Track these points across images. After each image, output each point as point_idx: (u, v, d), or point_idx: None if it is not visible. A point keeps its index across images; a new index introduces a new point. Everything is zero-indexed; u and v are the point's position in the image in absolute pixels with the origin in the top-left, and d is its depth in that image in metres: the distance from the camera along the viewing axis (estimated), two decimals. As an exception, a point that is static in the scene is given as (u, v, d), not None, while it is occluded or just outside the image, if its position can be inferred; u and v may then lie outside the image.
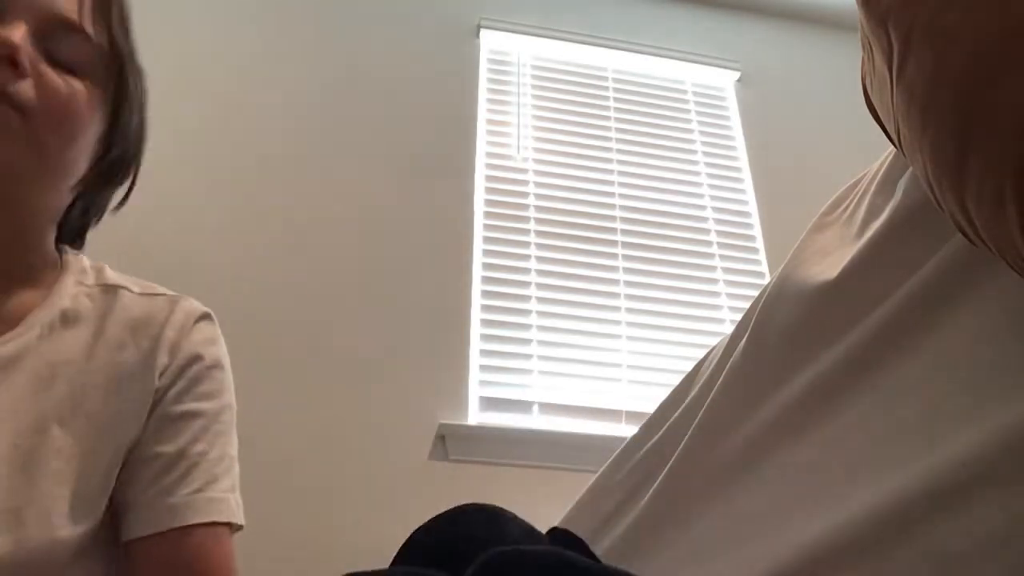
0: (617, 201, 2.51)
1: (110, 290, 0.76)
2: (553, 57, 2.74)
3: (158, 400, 0.72)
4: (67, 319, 0.72)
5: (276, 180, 2.28)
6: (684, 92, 2.81)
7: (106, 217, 0.82)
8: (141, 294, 0.77)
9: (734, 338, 0.52)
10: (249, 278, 2.10)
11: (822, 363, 0.42)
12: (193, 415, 0.73)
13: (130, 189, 0.80)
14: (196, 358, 0.75)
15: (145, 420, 0.71)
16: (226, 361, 0.79)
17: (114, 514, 0.70)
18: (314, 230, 2.23)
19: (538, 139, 2.57)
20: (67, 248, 0.79)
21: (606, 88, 2.74)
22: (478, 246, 2.34)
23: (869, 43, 0.37)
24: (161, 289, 0.79)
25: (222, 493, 0.71)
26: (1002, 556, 0.31)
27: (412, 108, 2.49)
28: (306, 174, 2.31)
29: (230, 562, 0.70)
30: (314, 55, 2.52)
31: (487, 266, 2.32)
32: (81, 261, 0.79)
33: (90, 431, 0.68)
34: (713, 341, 0.57)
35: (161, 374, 0.73)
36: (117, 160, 0.76)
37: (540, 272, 2.34)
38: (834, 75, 2.83)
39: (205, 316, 0.79)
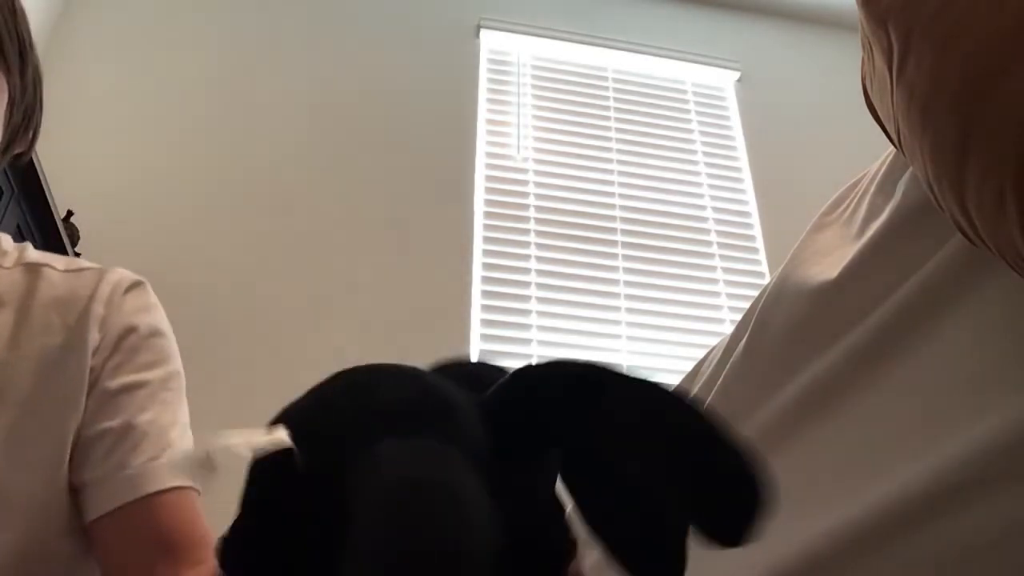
0: (617, 201, 2.51)
1: (32, 270, 0.72)
2: (553, 57, 2.74)
3: (95, 379, 0.69)
4: None
5: (275, 183, 2.28)
6: (684, 92, 2.81)
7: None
8: (66, 271, 0.73)
9: (734, 338, 0.52)
10: (245, 280, 2.10)
11: (822, 363, 0.42)
12: (136, 386, 0.70)
13: (27, 152, 0.77)
14: (130, 329, 0.72)
15: (84, 401, 0.68)
16: (165, 327, 0.75)
17: (75, 502, 0.68)
18: (314, 232, 2.23)
19: (538, 139, 2.57)
20: None
21: (606, 88, 2.74)
22: (478, 246, 2.34)
23: (869, 43, 0.37)
24: (87, 264, 0.75)
25: (175, 460, 0.68)
26: (1002, 556, 0.31)
27: (412, 108, 2.49)
28: (305, 174, 2.31)
29: (199, 525, 0.68)
30: (314, 55, 2.52)
31: (487, 266, 2.32)
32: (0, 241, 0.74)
33: (22, 422, 0.65)
34: (713, 341, 0.57)
35: (94, 352, 0.69)
36: (18, 129, 0.72)
37: (540, 272, 2.34)
38: (834, 75, 2.83)
39: (135, 285, 0.75)
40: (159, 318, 0.75)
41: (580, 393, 0.29)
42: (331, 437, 0.29)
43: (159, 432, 0.68)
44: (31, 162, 1.65)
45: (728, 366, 0.50)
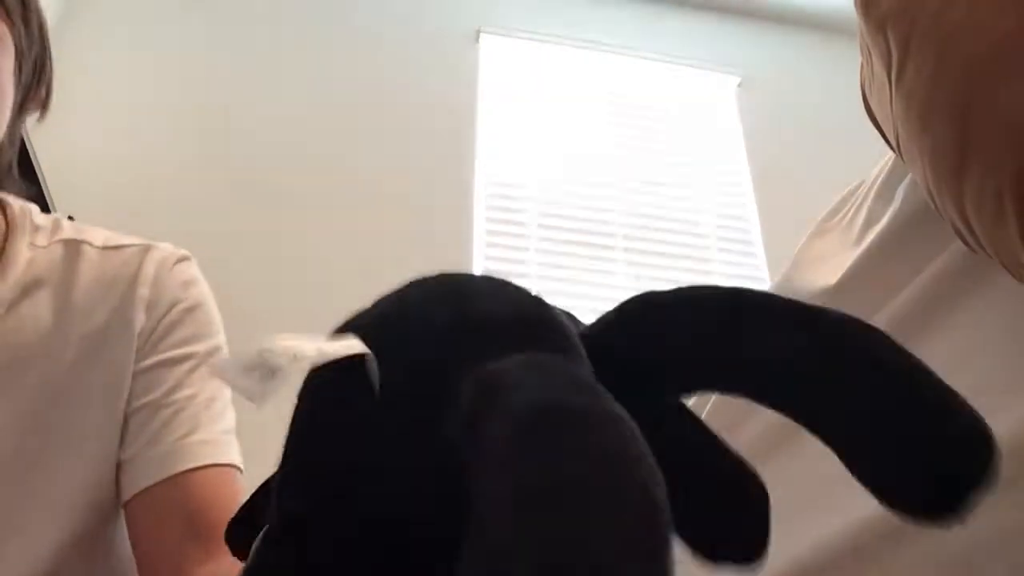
0: (617, 206, 2.51)
1: (70, 247, 0.67)
2: (553, 63, 2.75)
3: (139, 358, 0.65)
4: (24, 290, 0.63)
5: (274, 187, 2.28)
6: (684, 98, 2.81)
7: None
8: (105, 247, 0.68)
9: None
10: (244, 282, 2.10)
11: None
12: (174, 361, 0.66)
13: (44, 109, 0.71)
14: (172, 304, 0.67)
15: (130, 382, 0.64)
16: (208, 300, 0.71)
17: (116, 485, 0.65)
18: (310, 237, 2.23)
19: (537, 144, 2.57)
20: (9, 199, 0.69)
21: (606, 93, 2.74)
22: (479, 252, 2.34)
23: (868, 49, 0.37)
24: (127, 239, 0.70)
25: (215, 435, 0.64)
26: (1004, 558, 0.31)
27: (412, 115, 2.49)
28: (302, 179, 2.31)
29: (237, 505, 0.62)
30: (314, 61, 2.53)
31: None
32: (31, 215, 0.69)
33: (70, 416, 0.62)
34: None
35: (140, 333, 0.66)
36: (30, 85, 0.67)
37: (541, 278, 2.34)
38: (834, 81, 2.83)
39: (181, 260, 0.71)
40: (203, 291, 0.71)
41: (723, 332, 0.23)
42: (422, 348, 0.22)
43: (196, 408, 0.64)
44: (31, 164, 1.65)
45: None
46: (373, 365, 0.22)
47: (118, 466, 0.64)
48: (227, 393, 0.68)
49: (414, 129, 2.47)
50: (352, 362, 0.22)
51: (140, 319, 0.66)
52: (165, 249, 0.71)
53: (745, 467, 0.27)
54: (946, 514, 0.20)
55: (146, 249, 0.69)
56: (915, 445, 0.20)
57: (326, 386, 0.23)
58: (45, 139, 1.65)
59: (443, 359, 0.22)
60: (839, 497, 0.38)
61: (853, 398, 0.21)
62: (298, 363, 0.21)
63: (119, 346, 0.65)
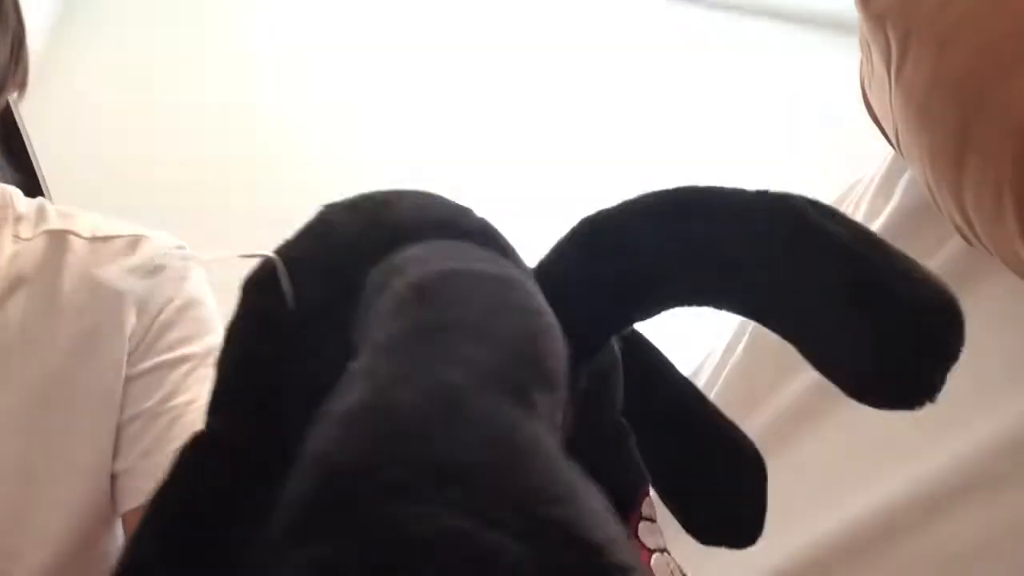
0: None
1: (56, 238, 0.62)
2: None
3: (131, 363, 0.61)
4: (8, 288, 0.59)
5: (270, 183, 2.28)
6: (679, 85, 2.80)
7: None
8: (92, 238, 0.63)
9: (735, 338, 0.52)
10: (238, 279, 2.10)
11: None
12: (171, 364, 0.62)
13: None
14: (167, 303, 0.63)
15: (122, 387, 0.60)
16: (203, 294, 0.66)
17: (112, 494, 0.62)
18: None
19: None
20: None
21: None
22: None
23: (868, 45, 0.37)
24: (116, 228, 0.65)
25: None
26: (1005, 557, 0.31)
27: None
28: (300, 183, 2.31)
29: None
30: (312, 60, 2.52)
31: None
32: (13, 203, 0.64)
33: (58, 423, 0.59)
34: (713, 341, 0.57)
35: (131, 336, 0.61)
36: (7, 65, 0.61)
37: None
38: (835, 77, 2.82)
39: (173, 252, 0.65)
40: (197, 285, 0.66)
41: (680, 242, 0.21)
42: (333, 256, 0.22)
43: (196, 415, 0.59)
44: (31, 167, 1.65)
45: (728, 366, 0.50)
46: (284, 277, 0.21)
47: (113, 477, 0.61)
48: None
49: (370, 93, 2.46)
50: (268, 277, 0.22)
51: (131, 320, 0.61)
52: (155, 241, 0.65)
53: (741, 439, 0.26)
54: (917, 396, 0.20)
55: (136, 241, 0.64)
56: (878, 327, 0.19)
57: (240, 307, 0.23)
58: (41, 130, 1.66)
59: (352, 264, 0.21)
60: (843, 491, 0.38)
61: (808, 283, 0.20)
62: (189, 264, 0.20)
63: (109, 350, 0.60)
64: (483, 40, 2.53)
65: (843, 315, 0.19)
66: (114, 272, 0.59)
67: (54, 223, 0.63)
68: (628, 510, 0.24)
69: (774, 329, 0.21)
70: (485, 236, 0.23)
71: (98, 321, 0.61)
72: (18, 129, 1.59)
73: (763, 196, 0.21)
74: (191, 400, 0.61)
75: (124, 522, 0.61)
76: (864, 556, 0.36)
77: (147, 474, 0.59)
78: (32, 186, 1.66)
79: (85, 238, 0.63)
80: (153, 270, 0.64)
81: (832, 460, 0.40)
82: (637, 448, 0.25)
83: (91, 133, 2.23)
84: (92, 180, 2.11)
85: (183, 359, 0.62)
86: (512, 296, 0.17)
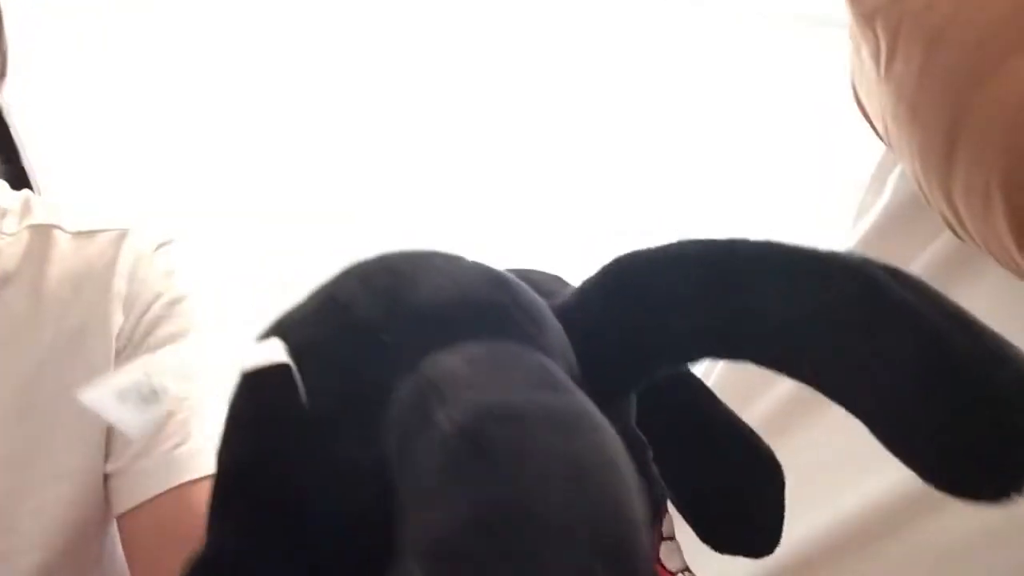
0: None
1: (41, 234, 0.60)
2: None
3: (120, 361, 0.59)
4: None
5: (262, 170, 2.27)
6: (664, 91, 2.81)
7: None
8: (77, 234, 0.61)
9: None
10: (228, 273, 2.09)
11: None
12: None
13: None
14: (155, 299, 0.61)
15: None
16: (192, 289, 0.63)
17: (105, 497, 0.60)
18: (305, 231, 2.22)
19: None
20: None
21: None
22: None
23: (857, 41, 0.37)
24: (100, 224, 0.62)
25: (210, 442, 0.58)
26: (994, 552, 0.32)
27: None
28: (295, 182, 2.31)
29: None
30: (306, 47, 2.52)
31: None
32: None
33: (46, 429, 0.57)
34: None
35: (118, 335, 0.59)
36: None
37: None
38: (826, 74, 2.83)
39: (162, 245, 0.63)
40: (187, 280, 0.63)
41: (717, 293, 0.20)
42: (352, 346, 0.19)
43: (188, 413, 0.58)
44: (22, 171, 1.64)
45: (720, 363, 0.50)
46: (296, 375, 0.18)
47: (105, 478, 0.59)
48: (221, 389, 0.62)
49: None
50: (274, 370, 0.19)
51: (117, 319, 0.59)
52: (143, 234, 0.63)
53: (760, 447, 0.25)
54: (1004, 489, 0.17)
55: (122, 236, 0.61)
56: (960, 413, 0.17)
57: (245, 400, 0.20)
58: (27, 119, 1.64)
59: (376, 358, 0.19)
60: (841, 484, 0.38)
61: (882, 360, 0.18)
62: (188, 385, 0.17)
63: (95, 349, 0.58)
64: (485, 43, 2.53)
65: (921, 397, 0.18)
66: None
67: (39, 218, 0.61)
68: (651, 527, 0.22)
69: (838, 400, 0.19)
70: (521, 312, 0.20)
71: (83, 320, 0.59)
72: (2, 118, 1.58)
73: (833, 260, 0.19)
74: (183, 398, 0.58)
75: (119, 526, 0.60)
76: (853, 553, 0.36)
77: (141, 476, 0.57)
78: (18, 174, 1.65)
79: (70, 232, 0.61)
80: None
81: (825, 457, 0.40)
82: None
83: (79, 122, 2.21)
84: (81, 172, 2.10)
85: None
86: (585, 453, 0.14)
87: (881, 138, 0.39)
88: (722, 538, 0.25)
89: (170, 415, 0.58)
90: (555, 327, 0.21)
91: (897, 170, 0.44)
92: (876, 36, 0.34)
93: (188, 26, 2.34)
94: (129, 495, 0.58)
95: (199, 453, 0.58)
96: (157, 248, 0.63)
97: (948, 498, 0.34)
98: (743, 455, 0.25)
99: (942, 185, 0.31)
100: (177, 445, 0.57)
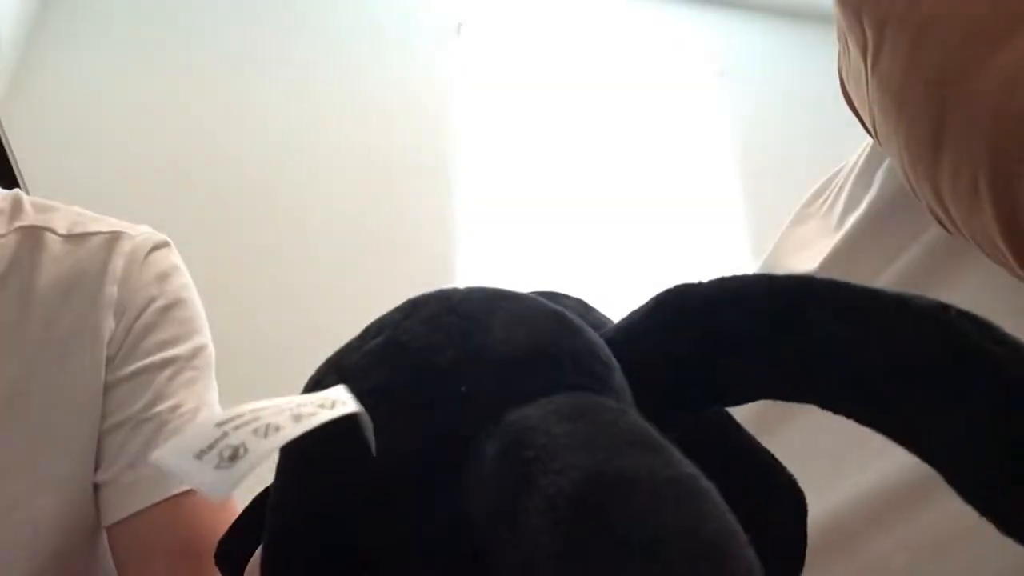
0: (602, 195, 2.51)
1: (30, 235, 0.58)
2: (534, 54, 2.74)
3: (112, 368, 0.57)
4: None
5: (255, 185, 2.27)
6: (668, 87, 2.81)
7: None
8: (69, 236, 0.59)
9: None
10: (234, 296, 2.09)
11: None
12: (154, 368, 0.57)
13: None
14: (148, 304, 0.59)
15: (102, 397, 0.56)
16: (188, 294, 0.61)
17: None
18: (289, 235, 2.22)
19: (519, 136, 2.57)
20: None
21: (589, 84, 2.74)
22: (462, 244, 2.34)
23: (845, 35, 0.37)
24: (94, 224, 0.60)
25: None
26: (983, 543, 0.32)
27: (393, 108, 2.48)
28: (282, 177, 2.30)
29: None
30: (293, 56, 2.51)
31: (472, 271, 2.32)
32: None
33: (36, 438, 0.54)
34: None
35: (110, 341, 0.57)
36: None
37: (525, 266, 2.34)
38: (815, 69, 2.84)
39: (155, 248, 0.61)
40: (180, 284, 0.61)
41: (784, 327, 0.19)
42: (426, 395, 0.18)
43: (182, 421, 0.56)
44: (9, 168, 1.63)
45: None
46: (368, 425, 0.17)
47: (96, 487, 0.57)
48: (214, 397, 0.60)
49: (395, 127, 2.46)
50: (340, 419, 0.17)
51: (108, 325, 0.57)
52: (136, 236, 0.60)
53: (782, 474, 0.24)
54: None
55: (115, 238, 0.59)
56: None
57: (312, 453, 0.19)
58: (20, 132, 1.64)
59: (454, 408, 0.18)
60: (838, 473, 0.38)
61: (961, 411, 0.17)
62: (269, 441, 0.16)
63: (85, 356, 0.56)
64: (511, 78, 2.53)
65: (997, 450, 0.17)
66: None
67: (30, 219, 0.59)
68: None
69: (907, 447, 0.19)
70: (591, 356, 0.19)
71: (73, 326, 0.56)
72: None
73: (907, 304, 0.18)
74: (176, 405, 0.57)
75: (109, 536, 0.58)
76: (840, 546, 0.36)
77: (133, 487, 0.55)
78: (6, 174, 1.64)
79: (61, 235, 0.59)
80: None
81: (823, 446, 0.40)
82: None
83: (69, 132, 2.20)
84: (70, 175, 2.10)
85: (167, 362, 0.58)
86: (709, 524, 0.14)
87: (869, 131, 0.40)
88: None
89: (162, 425, 0.56)
90: (616, 367, 0.20)
91: (885, 164, 0.44)
92: (863, 30, 0.34)
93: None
94: (119, 506, 0.56)
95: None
96: (150, 251, 0.61)
97: (937, 489, 0.34)
98: (767, 483, 0.24)
99: (929, 178, 0.31)
100: None
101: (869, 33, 0.33)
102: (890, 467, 0.35)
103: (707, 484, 0.15)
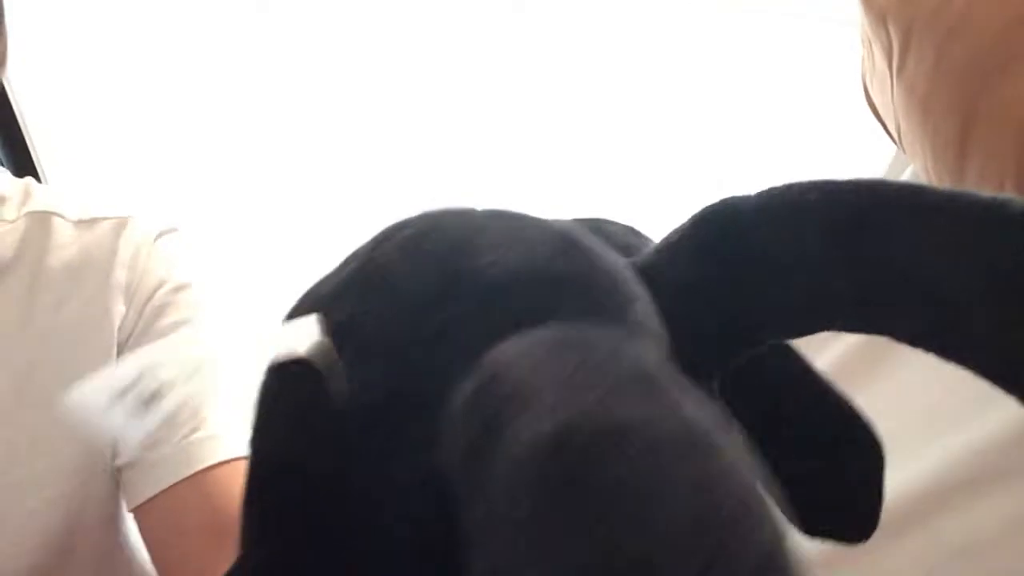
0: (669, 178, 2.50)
1: (40, 221, 0.59)
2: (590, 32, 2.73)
3: (124, 352, 0.58)
4: None
5: (270, 154, 2.27)
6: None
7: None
8: (79, 222, 0.59)
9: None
10: (238, 258, 2.09)
11: (822, 361, 0.42)
12: None
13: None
14: (158, 287, 0.59)
15: None
16: (197, 277, 0.62)
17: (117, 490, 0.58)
18: (310, 212, 2.22)
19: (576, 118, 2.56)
20: None
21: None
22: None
23: (869, 40, 0.37)
24: (103, 210, 0.61)
25: (224, 426, 0.57)
26: (1004, 552, 0.31)
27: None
28: (302, 168, 2.31)
29: None
30: (312, 29, 2.51)
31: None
32: None
33: (46, 423, 0.55)
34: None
35: (120, 327, 0.58)
36: None
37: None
38: (836, 72, 2.82)
39: (163, 234, 0.62)
40: (190, 268, 0.62)
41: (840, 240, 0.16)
42: (402, 330, 0.16)
43: (200, 399, 0.56)
44: (24, 144, 1.64)
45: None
46: (333, 360, 0.16)
47: (117, 471, 0.58)
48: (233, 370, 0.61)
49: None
50: (311, 353, 0.16)
51: (119, 309, 0.58)
52: (144, 223, 0.61)
53: (859, 420, 0.22)
54: None
55: (122, 224, 0.60)
56: None
57: (278, 389, 0.17)
58: (34, 107, 1.65)
59: (431, 343, 0.16)
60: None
61: None
62: (194, 376, 0.14)
63: (96, 340, 0.57)
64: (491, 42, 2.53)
65: None
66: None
67: (40, 205, 0.59)
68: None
69: (1002, 385, 0.17)
70: (602, 283, 0.17)
71: (83, 310, 0.57)
72: (10, 106, 1.57)
73: (1000, 209, 0.15)
74: (191, 387, 0.58)
75: (136, 517, 0.58)
76: (863, 551, 0.35)
77: (156, 466, 0.55)
78: (25, 162, 1.65)
79: (71, 220, 0.59)
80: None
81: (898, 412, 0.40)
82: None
83: (85, 110, 2.21)
84: (87, 157, 2.10)
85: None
86: (715, 487, 0.11)
87: (892, 138, 0.39)
88: (817, 522, 0.22)
89: (180, 404, 0.56)
90: (640, 296, 0.17)
91: (908, 170, 0.44)
92: (888, 35, 0.33)
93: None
94: (144, 487, 0.56)
95: (214, 439, 0.56)
96: (158, 236, 0.61)
97: (956, 497, 0.34)
98: (843, 431, 0.22)
99: (955, 185, 0.31)
100: (191, 432, 0.55)
101: (895, 38, 0.33)
102: (918, 470, 0.35)
103: (724, 439, 0.12)
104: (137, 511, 0.57)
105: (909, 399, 0.38)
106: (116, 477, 0.58)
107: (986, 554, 0.32)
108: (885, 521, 0.35)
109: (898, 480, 0.35)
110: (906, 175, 0.44)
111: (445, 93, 2.28)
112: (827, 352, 0.42)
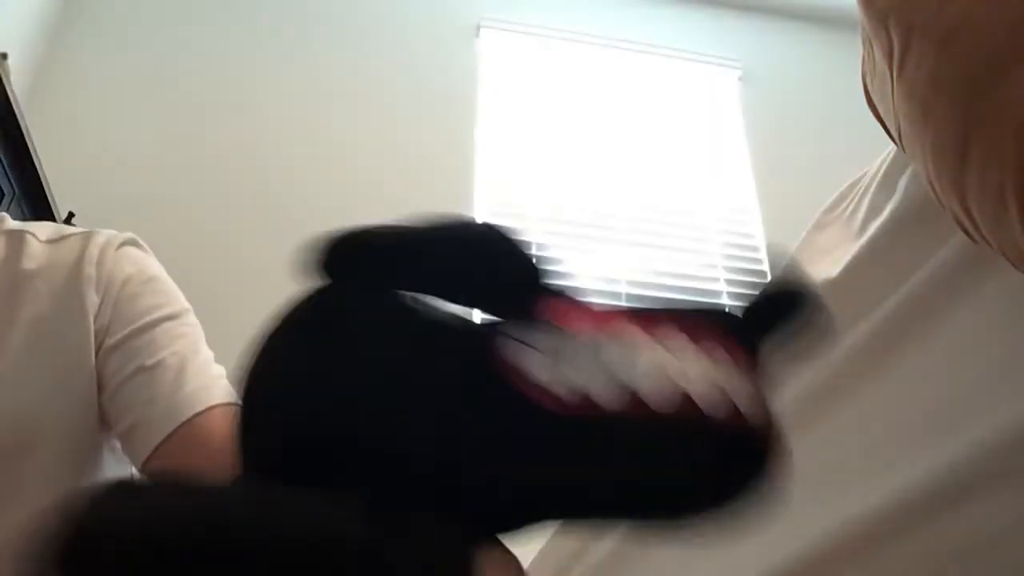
0: (619, 200, 2.51)
1: (14, 236, 0.65)
2: (554, 57, 2.74)
3: (101, 340, 0.63)
4: None
5: (271, 186, 2.28)
6: (686, 91, 2.80)
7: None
8: (48, 241, 0.66)
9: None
10: (245, 279, 2.10)
11: (824, 362, 0.42)
12: (147, 327, 0.63)
13: None
14: (127, 280, 0.65)
15: (94, 366, 0.62)
16: (163, 275, 0.68)
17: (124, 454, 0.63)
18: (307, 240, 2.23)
19: (538, 138, 2.57)
20: None
21: (608, 87, 2.73)
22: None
23: (870, 41, 0.37)
24: (71, 229, 0.68)
25: (209, 380, 0.62)
26: (1004, 553, 0.31)
27: (410, 109, 2.49)
28: (303, 179, 2.31)
29: None
30: (312, 56, 2.52)
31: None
32: None
33: (28, 415, 0.59)
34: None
35: (96, 315, 0.63)
36: None
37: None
38: (835, 73, 2.83)
39: (127, 242, 0.68)
40: (156, 267, 0.68)
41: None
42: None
43: (182, 362, 0.62)
44: (32, 163, 1.65)
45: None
46: None
47: (122, 437, 0.62)
48: (208, 351, 0.67)
49: (412, 127, 2.46)
50: None
51: (93, 300, 0.63)
52: (109, 233, 0.68)
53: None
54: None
55: (88, 235, 0.67)
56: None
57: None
58: (47, 143, 1.66)
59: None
60: (847, 487, 0.38)
61: None
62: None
63: (73, 330, 0.62)
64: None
65: None
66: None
67: (13, 226, 0.66)
68: None
69: None
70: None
71: (57, 306, 0.62)
72: (23, 135, 1.59)
73: None
74: (175, 351, 0.63)
75: (144, 472, 0.61)
76: (865, 553, 0.35)
77: (157, 419, 0.60)
78: (32, 178, 1.66)
79: (42, 241, 0.66)
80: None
81: (835, 458, 0.40)
82: None
83: (92, 134, 2.22)
84: (93, 180, 2.12)
85: (158, 321, 0.64)
86: None
87: (892, 138, 0.39)
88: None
89: (166, 368, 0.61)
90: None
91: (908, 171, 0.44)
92: (889, 36, 0.33)
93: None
94: (148, 439, 0.60)
95: (203, 390, 0.61)
96: (122, 244, 0.68)
97: (957, 499, 0.34)
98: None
99: (955, 187, 0.31)
100: (179, 388, 0.61)
101: (895, 39, 0.33)
102: (918, 473, 0.35)
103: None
104: (146, 465, 0.60)
105: (909, 400, 0.38)
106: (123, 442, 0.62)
107: (988, 554, 0.32)
108: (886, 521, 0.35)
109: (899, 480, 0.35)
110: (905, 175, 0.44)
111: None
112: (827, 354, 0.42)
